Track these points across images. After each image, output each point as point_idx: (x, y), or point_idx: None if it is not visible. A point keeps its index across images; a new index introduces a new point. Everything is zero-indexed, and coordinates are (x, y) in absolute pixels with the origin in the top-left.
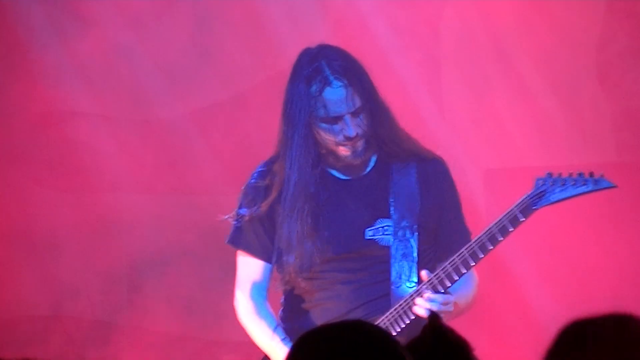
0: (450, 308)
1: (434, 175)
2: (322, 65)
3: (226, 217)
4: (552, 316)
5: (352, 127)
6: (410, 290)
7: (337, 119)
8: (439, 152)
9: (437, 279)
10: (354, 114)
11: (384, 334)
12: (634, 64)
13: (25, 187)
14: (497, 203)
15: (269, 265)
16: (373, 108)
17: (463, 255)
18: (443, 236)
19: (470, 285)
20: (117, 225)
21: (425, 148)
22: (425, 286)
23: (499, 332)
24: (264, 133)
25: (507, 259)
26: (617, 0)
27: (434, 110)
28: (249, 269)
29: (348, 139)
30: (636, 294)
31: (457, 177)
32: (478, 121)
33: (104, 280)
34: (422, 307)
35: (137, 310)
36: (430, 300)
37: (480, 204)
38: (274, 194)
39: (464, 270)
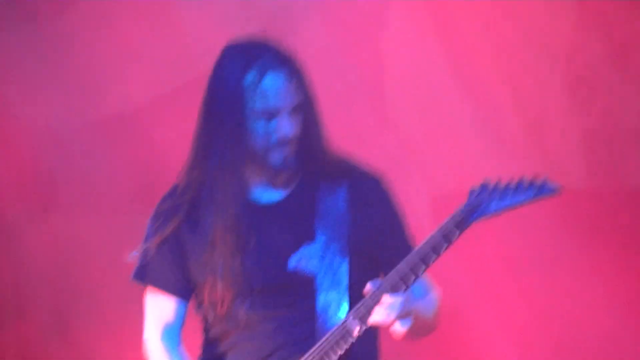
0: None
1: (368, 194)
2: (263, 50)
3: (133, 254)
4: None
5: (290, 126)
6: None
7: (275, 113)
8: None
9: (365, 307)
10: (293, 111)
11: None
12: (605, 77)
13: None
14: None
15: (184, 302)
16: (309, 110)
17: (393, 279)
18: (386, 258)
19: (428, 294)
20: None
21: (360, 165)
22: (352, 316)
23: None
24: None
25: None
26: (588, 10)
27: (379, 127)
28: (160, 307)
29: (284, 140)
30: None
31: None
32: (429, 140)
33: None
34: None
35: None
36: (392, 301)
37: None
38: (181, 215)
39: (402, 288)
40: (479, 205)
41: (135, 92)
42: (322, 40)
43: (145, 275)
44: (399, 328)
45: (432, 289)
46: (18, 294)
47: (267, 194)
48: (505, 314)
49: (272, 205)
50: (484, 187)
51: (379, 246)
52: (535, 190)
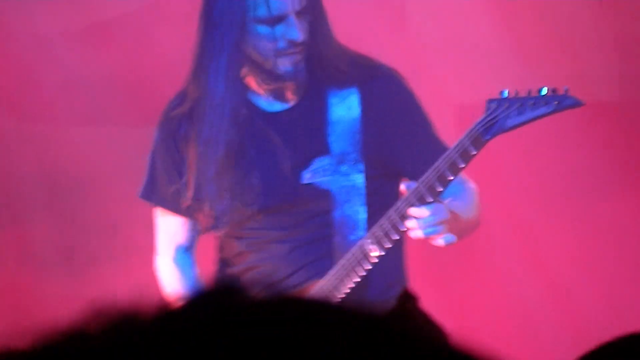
0: (446, 215)
1: (381, 95)
2: None
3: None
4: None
5: (300, 30)
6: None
7: (280, 18)
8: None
9: (381, 231)
10: (300, 14)
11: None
12: None
13: None
14: None
15: (194, 222)
16: (316, 13)
17: (408, 200)
18: (409, 160)
19: (463, 194)
20: None
21: (370, 61)
22: (369, 240)
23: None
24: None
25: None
26: None
27: (395, 35)
28: (170, 228)
29: (293, 44)
30: None
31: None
32: (453, 50)
33: None
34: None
35: None
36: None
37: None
38: (186, 126)
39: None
40: (496, 119)
41: None
42: None
43: (152, 194)
44: (441, 242)
45: (466, 183)
46: (16, 201)
47: (275, 105)
48: (532, 235)
49: (280, 114)
50: (501, 99)
51: (399, 149)
52: (555, 102)
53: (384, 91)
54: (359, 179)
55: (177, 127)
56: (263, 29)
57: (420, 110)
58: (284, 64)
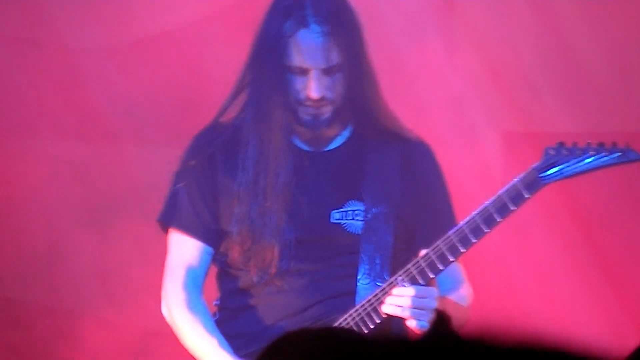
0: (432, 303)
1: (419, 160)
2: (307, 0)
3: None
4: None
5: (319, 87)
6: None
7: (304, 71)
8: (448, 110)
9: (416, 268)
10: (327, 71)
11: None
12: None
13: None
14: (516, 169)
15: (209, 249)
16: (355, 70)
17: (450, 241)
18: (427, 229)
19: (460, 287)
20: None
21: (408, 129)
22: (400, 277)
23: None
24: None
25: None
26: None
27: (444, 61)
28: (184, 251)
29: (309, 100)
30: None
31: (472, 140)
32: (499, 77)
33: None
34: (392, 304)
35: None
36: (403, 294)
37: (497, 172)
38: (219, 160)
39: (450, 258)
40: (553, 165)
41: (181, 9)
42: None
43: (173, 218)
44: (414, 325)
45: (464, 284)
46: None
47: (314, 145)
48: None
49: (318, 153)
50: (560, 146)
51: (424, 212)
52: (618, 154)
53: (422, 158)
54: (388, 231)
55: (211, 156)
56: (291, 76)
57: (446, 187)
58: (303, 114)
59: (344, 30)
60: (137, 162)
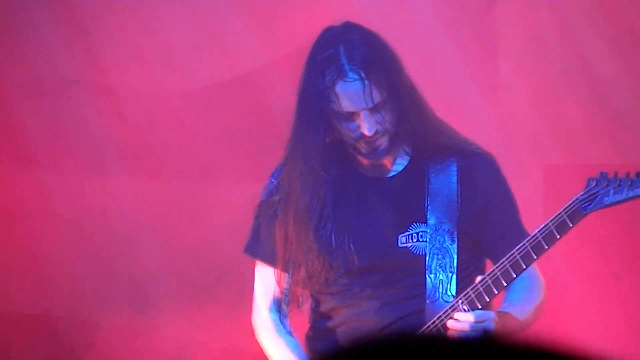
0: (490, 325)
1: (478, 172)
2: (339, 52)
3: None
4: None
5: (370, 124)
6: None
7: (353, 114)
8: (492, 144)
9: (474, 292)
10: (373, 109)
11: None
12: None
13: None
14: (557, 201)
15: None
16: (398, 102)
17: (504, 266)
18: (493, 241)
19: (530, 291)
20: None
21: (467, 140)
22: (461, 300)
23: None
24: (266, 117)
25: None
26: None
27: (487, 97)
28: (268, 281)
29: (365, 136)
30: None
31: (513, 173)
32: (539, 111)
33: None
34: (453, 328)
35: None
36: (463, 319)
37: (539, 203)
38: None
39: (504, 283)
40: (595, 195)
41: (246, 56)
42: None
43: (256, 251)
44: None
45: (536, 281)
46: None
47: (377, 171)
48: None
49: (377, 180)
50: (601, 178)
51: (488, 224)
52: None
53: (481, 170)
54: (452, 248)
55: (278, 203)
56: (341, 120)
57: (510, 195)
58: (364, 150)
59: (382, 70)
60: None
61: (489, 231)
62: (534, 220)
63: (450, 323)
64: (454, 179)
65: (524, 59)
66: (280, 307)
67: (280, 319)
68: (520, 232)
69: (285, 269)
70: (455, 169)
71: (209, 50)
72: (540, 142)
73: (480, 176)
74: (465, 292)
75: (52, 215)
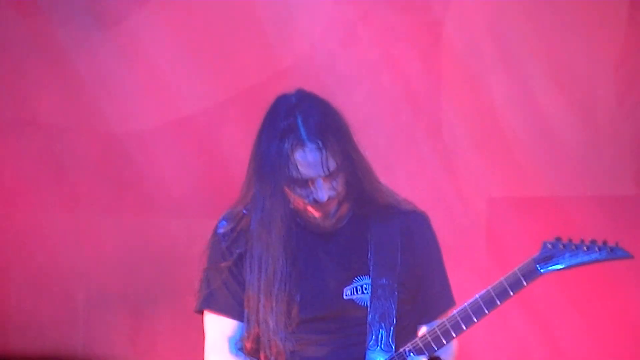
0: None
1: (416, 230)
2: (298, 122)
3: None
4: None
5: (324, 191)
6: (386, 356)
7: (309, 181)
8: (435, 178)
9: (422, 342)
10: (328, 177)
11: None
12: None
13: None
14: (501, 235)
15: (243, 325)
16: (350, 168)
17: (454, 319)
18: (424, 296)
19: (449, 351)
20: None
21: (405, 200)
22: (408, 348)
23: None
24: (236, 151)
25: None
26: (639, 17)
27: (433, 132)
28: (223, 328)
29: (318, 202)
30: None
31: (460, 206)
32: (482, 146)
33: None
34: None
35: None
36: None
37: (482, 235)
38: (240, 250)
39: (454, 334)
40: (550, 258)
41: (200, 95)
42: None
43: (211, 304)
44: None
45: (453, 344)
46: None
47: (318, 229)
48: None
49: (323, 235)
50: (557, 241)
51: (422, 279)
52: (607, 252)
53: (418, 228)
54: (393, 300)
55: (229, 247)
56: (295, 186)
57: (440, 252)
58: (313, 214)
59: (336, 139)
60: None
61: (423, 286)
62: (476, 254)
63: None
64: (395, 235)
65: (466, 95)
66: (238, 349)
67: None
68: (446, 291)
69: (248, 320)
70: (395, 225)
71: (155, 92)
72: (483, 175)
73: (419, 234)
74: (413, 342)
75: None
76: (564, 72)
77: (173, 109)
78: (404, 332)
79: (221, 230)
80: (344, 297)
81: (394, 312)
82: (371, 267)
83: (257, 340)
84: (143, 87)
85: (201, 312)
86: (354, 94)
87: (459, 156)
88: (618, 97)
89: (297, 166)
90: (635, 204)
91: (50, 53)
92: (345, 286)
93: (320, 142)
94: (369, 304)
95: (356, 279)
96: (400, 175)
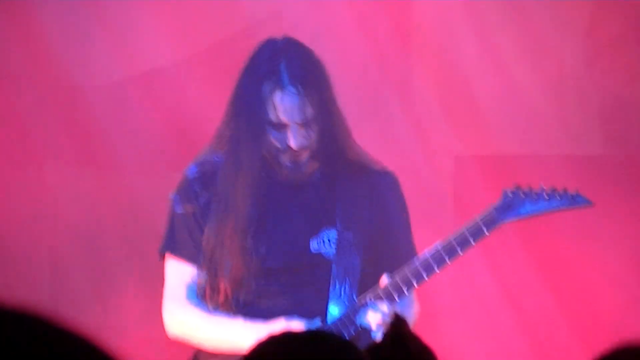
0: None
1: (384, 189)
2: (281, 66)
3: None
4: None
5: (297, 139)
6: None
7: (284, 126)
8: (403, 136)
9: (383, 290)
10: (303, 125)
11: (350, 345)
12: (625, 51)
13: None
14: (467, 194)
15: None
16: (326, 120)
17: (416, 268)
18: (388, 254)
19: (411, 309)
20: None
21: (376, 161)
22: (369, 297)
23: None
24: (202, 107)
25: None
26: None
27: (400, 91)
28: (183, 274)
29: (291, 149)
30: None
31: (427, 164)
32: (450, 105)
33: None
34: (371, 319)
35: None
36: (377, 312)
37: (449, 193)
38: (209, 195)
39: (415, 284)
40: (511, 206)
41: (166, 49)
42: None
43: (174, 249)
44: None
45: (415, 304)
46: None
47: (288, 181)
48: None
49: (292, 187)
50: (517, 189)
51: (387, 237)
52: (568, 200)
53: (387, 188)
54: (357, 257)
55: (198, 192)
56: (271, 129)
57: (407, 212)
58: (285, 161)
59: (316, 88)
60: (139, 189)
61: (388, 244)
62: (443, 211)
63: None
64: (364, 192)
65: (435, 55)
66: (203, 298)
67: (200, 303)
68: (411, 250)
69: (209, 268)
70: (364, 183)
71: (122, 47)
72: (450, 134)
73: (387, 194)
74: (374, 291)
75: None
76: (533, 37)
77: (139, 63)
78: (367, 289)
79: (191, 176)
80: (311, 250)
81: (359, 266)
82: (338, 220)
83: (213, 287)
84: (108, 41)
85: (163, 256)
86: (323, 51)
87: (427, 115)
88: (586, 63)
89: (274, 108)
90: (601, 163)
91: (14, 6)
92: (312, 237)
93: (300, 88)
94: (334, 257)
95: (322, 230)
96: (367, 133)
